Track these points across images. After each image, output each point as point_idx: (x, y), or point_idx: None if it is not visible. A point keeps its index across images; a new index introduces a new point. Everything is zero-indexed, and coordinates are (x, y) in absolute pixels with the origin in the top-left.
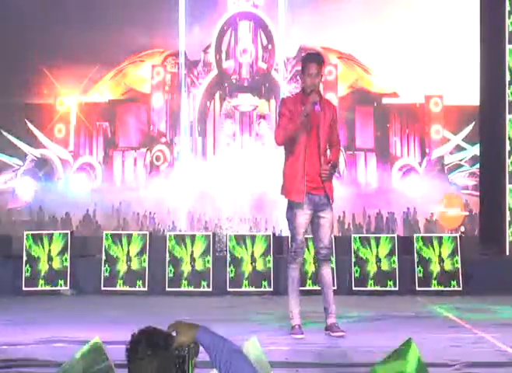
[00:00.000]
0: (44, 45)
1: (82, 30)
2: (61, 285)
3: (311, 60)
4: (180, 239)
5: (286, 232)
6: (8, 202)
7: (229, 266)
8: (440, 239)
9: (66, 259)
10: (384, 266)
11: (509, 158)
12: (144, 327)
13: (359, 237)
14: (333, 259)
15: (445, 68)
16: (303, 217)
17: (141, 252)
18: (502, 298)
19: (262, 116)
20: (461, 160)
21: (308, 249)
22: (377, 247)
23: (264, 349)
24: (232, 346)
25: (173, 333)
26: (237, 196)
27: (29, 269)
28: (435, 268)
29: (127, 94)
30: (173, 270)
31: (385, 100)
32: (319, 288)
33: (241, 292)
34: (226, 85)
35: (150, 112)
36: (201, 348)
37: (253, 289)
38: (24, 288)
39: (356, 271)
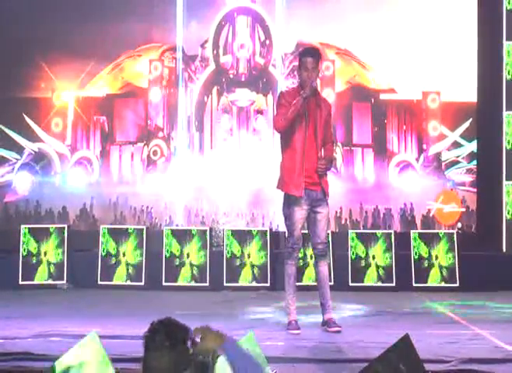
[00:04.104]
0: (42, 39)
1: (79, 24)
2: (57, 279)
3: (308, 54)
4: (177, 234)
5: (283, 228)
6: (6, 196)
7: (226, 261)
8: (436, 235)
9: (63, 253)
10: (381, 262)
11: (506, 154)
12: (164, 318)
13: (356, 233)
14: (330, 254)
15: (442, 65)
16: (301, 212)
17: (138, 247)
18: (498, 295)
19: (259, 112)
20: (458, 156)
21: (305, 245)
22: (374, 243)
23: (260, 344)
24: (254, 362)
25: (197, 338)
26: (234, 192)
27: (26, 263)
28: (432, 264)
29: (124, 88)
30: (169, 264)
31: (383, 96)
32: (315, 284)
33: (238, 287)
34: (223, 80)
35: (147, 106)
36: None
37: (249, 284)
38: (21, 282)
39: (353, 267)
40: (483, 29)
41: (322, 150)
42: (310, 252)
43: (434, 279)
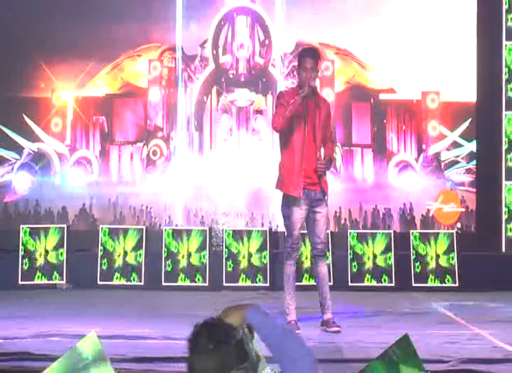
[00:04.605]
0: (41, 39)
1: (79, 24)
2: (57, 279)
3: (307, 54)
4: (177, 234)
5: (282, 228)
6: (5, 196)
7: (226, 261)
8: (436, 235)
9: (62, 253)
10: (380, 262)
11: (505, 154)
12: (206, 319)
13: (356, 233)
14: (329, 254)
15: (442, 65)
16: (300, 212)
17: (137, 247)
18: (498, 295)
19: (259, 112)
20: (457, 156)
21: (304, 245)
22: (374, 243)
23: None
24: (282, 326)
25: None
26: (234, 192)
27: (26, 263)
28: (431, 264)
29: (124, 88)
30: (169, 264)
31: (382, 96)
32: (315, 283)
33: (237, 287)
34: (222, 80)
35: (147, 106)
36: None
37: (249, 284)
38: (20, 282)
39: (352, 267)
40: (483, 29)
41: (321, 150)
42: (307, 252)
43: (434, 279)
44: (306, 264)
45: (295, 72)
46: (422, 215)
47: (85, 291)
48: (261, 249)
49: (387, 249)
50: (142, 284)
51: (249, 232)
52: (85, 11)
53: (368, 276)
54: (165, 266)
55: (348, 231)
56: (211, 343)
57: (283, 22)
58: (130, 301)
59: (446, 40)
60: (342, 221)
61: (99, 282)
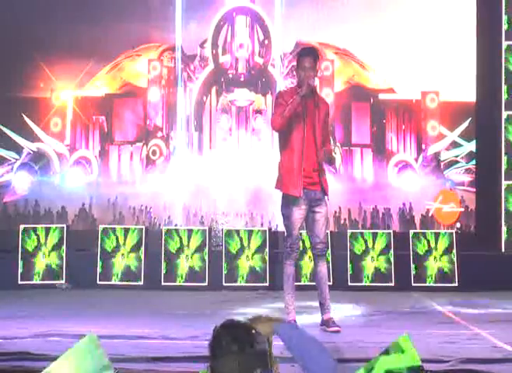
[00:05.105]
0: (41, 39)
1: (79, 24)
2: (56, 279)
3: (306, 54)
4: (176, 234)
5: (282, 227)
6: (5, 195)
7: (225, 260)
8: (435, 235)
9: (62, 253)
10: (380, 262)
11: (505, 154)
12: (225, 321)
13: (355, 232)
14: (329, 254)
15: (441, 64)
16: (299, 212)
17: (137, 247)
18: (497, 294)
19: (258, 112)
20: (457, 156)
21: (304, 245)
22: (373, 243)
23: None
24: (316, 346)
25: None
26: (233, 191)
27: (25, 263)
28: (430, 264)
29: (123, 88)
30: (168, 264)
31: (382, 96)
32: (314, 283)
33: (237, 287)
34: (222, 79)
35: (147, 106)
36: None
37: (249, 284)
38: (20, 282)
39: (352, 267)
40: (482, 29)
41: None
42: (307, 252)
43: (433, 279)
44: (306, 264)
45: (294, 72)
46: (422, 215)
47: (85, 291)
48: (260, 249)
49: (386, 249)
50: (142, 283)
51: (248, 232)
52: (85, 11)
53: (367, 276)
54: (164, 266)
55: (348, 231)
56: (234, 344)
57: (283, 22)
58: (129, 301)
59: (445, 39)
60: (342, 221)
61: (98, 282)
